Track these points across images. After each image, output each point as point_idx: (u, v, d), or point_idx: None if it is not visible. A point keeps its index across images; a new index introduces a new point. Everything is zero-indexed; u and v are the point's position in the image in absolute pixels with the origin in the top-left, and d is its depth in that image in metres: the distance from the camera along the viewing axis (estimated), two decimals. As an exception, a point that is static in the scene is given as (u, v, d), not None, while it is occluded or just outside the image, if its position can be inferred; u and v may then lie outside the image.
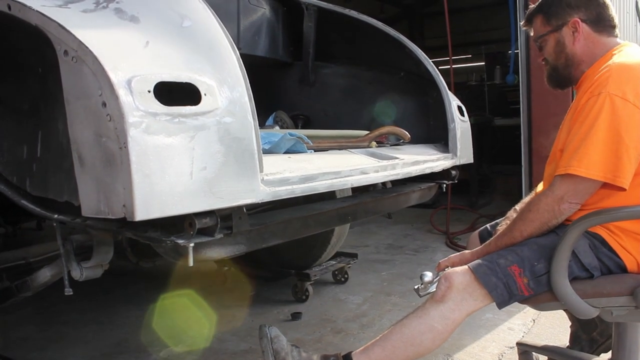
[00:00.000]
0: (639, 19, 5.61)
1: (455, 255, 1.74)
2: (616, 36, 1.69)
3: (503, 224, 1.78)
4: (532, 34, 1.82)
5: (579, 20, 1.66)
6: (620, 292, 1.48)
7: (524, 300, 1.57)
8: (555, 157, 1.70)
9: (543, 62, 1.79)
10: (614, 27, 1.69)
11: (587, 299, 1.50)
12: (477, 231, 1.98)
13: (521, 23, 1.88)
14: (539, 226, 1.55)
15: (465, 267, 1.56)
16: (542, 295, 1.53)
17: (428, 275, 1.67)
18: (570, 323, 2.04)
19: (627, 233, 1.53)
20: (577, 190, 1.50)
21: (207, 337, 2.59)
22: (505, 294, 1.52)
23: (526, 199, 1.88)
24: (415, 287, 1.70)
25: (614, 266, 1.54)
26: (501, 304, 1.52)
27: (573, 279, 1.50)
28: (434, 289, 1.61)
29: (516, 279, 1.51)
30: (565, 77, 1.73)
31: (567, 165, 1.50)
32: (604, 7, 1.68)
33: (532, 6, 1.81)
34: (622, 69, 1.53)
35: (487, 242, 1.66)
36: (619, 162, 1.45)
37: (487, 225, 1.97)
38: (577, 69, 1.69)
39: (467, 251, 1.73)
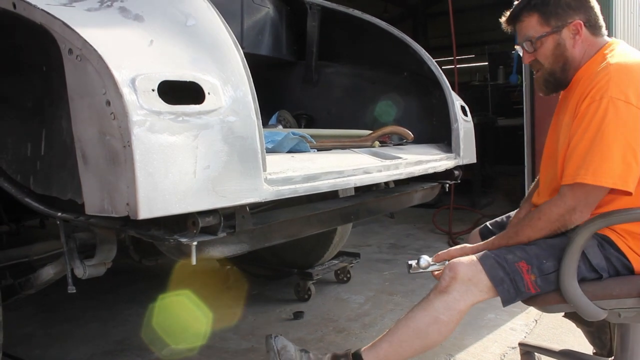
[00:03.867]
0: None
1: (455, 248, 1.72)
2: (603, 35, 1.66)
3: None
4: (516, 32, 1.70)
5: (582, 23, 1.61)
6: (630, 294, 1.48)
7: (531, 301, 1.56)
8: (552, 161, 1.68)
9: (532, 65, 1.71)
10: (602, 26, 1.66)
11: (596, 301, 1.49)
12: (477, 229, 1.97)
13: (502, 20, 1.73)
14: (547, 234, 1.55)
15: (472, 257, 1.55)
16: (549, 296, 1.52)
17: (425, 260, 1.68)
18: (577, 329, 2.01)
19: (633, 235, 1.52)
20: (587, 200, 1.48)
21: (209, 335, 2.60)
22: (511, 290, 1.50)
23: (522, 213, 1.85)
24: (409, 262, 1.71)
25: (621, 267, 1.53)
26: (506, 302, 1.51)
27: (581, 280, 1.49)
28: (423, 271, 1.67)
29: (523, 275, 1.50)
30: (562, 81, 1.68)
31: (575, 175, 1.48)
32: (596, 9, 1.64)
33: (516, 2, 1.69)
34: (621, 71, 1.50)
35: (490, 240, 1.65)
36: (628, 167, 1.44)
37: (487, 223, 1.96)
38: (574, 72, 1.65)
39: (467, 245, 1.71)
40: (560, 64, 1.65)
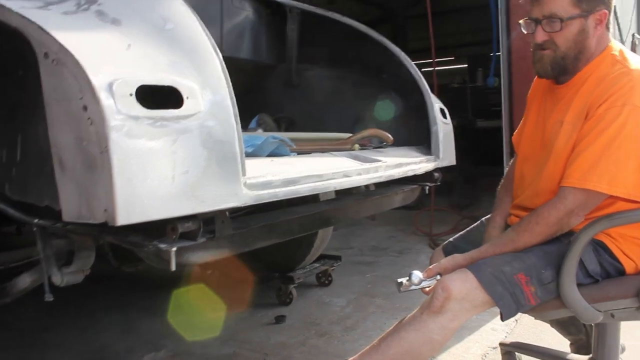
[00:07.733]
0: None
1: (446, 260, 1.62)
2: (610, 34, 1.62)
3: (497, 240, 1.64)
4: (533, 5, 1.57)
5: (607, 14, 1.54)
6: (626, 294, 1.48)
7: (529, 311, 1.52)
8: (535, 163, 1.67)
9: (542, 43, 1.56)
10: (611, 25, 1.62)
11: (593, 304, 1.48)
12: (440, 247, 1.90)
13: None
14: (545, 238, 1.51)
15: (465, 272, 1.47)
16: (548, 303, 1.50)
17: (417, 276, 1.59)
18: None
19: (627, 238, 1.53)
20: (587, 204, 1.47)
21: (190, 341, 2.57)
22: (512, 305, 1.45)
23: (497, 221, 1.78)
24: (399, 280, 1.61)
25: (614, 271, 1.53)
26: (507, 316, 1.46)
27: (577, 285, 1.47)
28: (415, 288, 1.59)
29: (523, 288, 1.45)
30: (570, 69, 1.58)
31: (583, 179, 1.44)
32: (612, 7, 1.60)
33: None
34: None
35: (482, 248, 1.58)
36: None
37: (451, 239, 1.90)
38: (584, 64, 1.57)
39: (458, 255, 1.62)
40: (576, 51, 1.56)
